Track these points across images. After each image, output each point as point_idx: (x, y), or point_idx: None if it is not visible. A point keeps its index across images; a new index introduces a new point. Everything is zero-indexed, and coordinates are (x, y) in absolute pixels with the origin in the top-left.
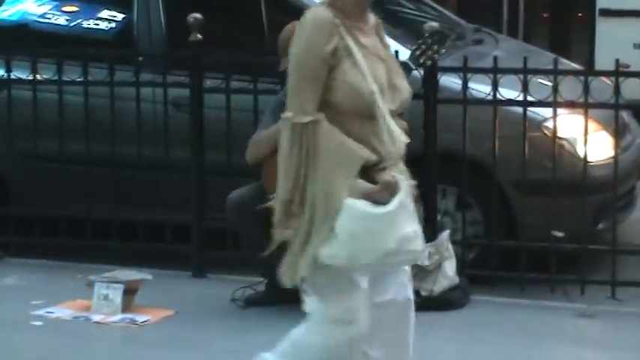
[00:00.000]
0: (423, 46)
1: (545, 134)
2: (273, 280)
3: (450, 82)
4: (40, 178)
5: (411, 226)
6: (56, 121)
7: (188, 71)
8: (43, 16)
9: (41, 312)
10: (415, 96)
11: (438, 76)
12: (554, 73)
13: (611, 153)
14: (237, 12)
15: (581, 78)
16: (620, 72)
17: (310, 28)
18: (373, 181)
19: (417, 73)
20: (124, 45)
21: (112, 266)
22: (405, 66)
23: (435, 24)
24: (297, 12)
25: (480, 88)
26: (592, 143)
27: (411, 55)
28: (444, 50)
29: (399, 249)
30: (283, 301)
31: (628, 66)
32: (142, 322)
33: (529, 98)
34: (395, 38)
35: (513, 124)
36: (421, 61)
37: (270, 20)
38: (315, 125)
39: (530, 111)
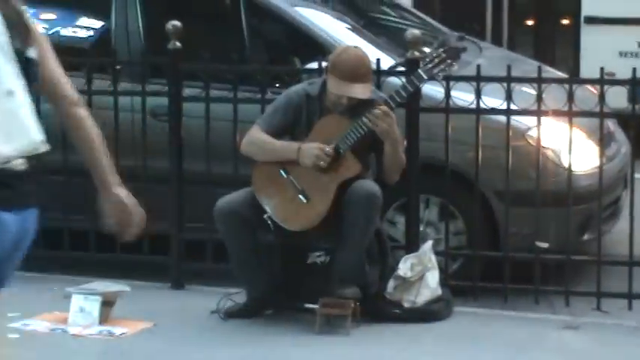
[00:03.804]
0: (437, 59)
1: (529, 143)
2: (258, 292)
3: (433, 90)
4: None
5: None
6: None
7: (167, 80)
8: None
9: (17, 324)
10: (398, 104)
11: (421, 85)
12: (539, 81)
13: (596, 162)
14: (216, 19)
15: (566, 86)
16: (605, 80)
17: None
18: None
19: (397, 80)
20: (102, 53)
21: (89, 278)
22: (417, 76)
23: (416, 31)
24: (277, 19)
25: (463, 96)
26: (577, 152)
27: (424, 65)
28: (456, 66)
29: None
30: (264, 312)
31: (613, 74)
32: (120, 334)
33: (513, 107)
34: (377, 46)
35: (497, 133)
36: (434, 72)
37: (250, 27)
38: None
39: (514, 120)
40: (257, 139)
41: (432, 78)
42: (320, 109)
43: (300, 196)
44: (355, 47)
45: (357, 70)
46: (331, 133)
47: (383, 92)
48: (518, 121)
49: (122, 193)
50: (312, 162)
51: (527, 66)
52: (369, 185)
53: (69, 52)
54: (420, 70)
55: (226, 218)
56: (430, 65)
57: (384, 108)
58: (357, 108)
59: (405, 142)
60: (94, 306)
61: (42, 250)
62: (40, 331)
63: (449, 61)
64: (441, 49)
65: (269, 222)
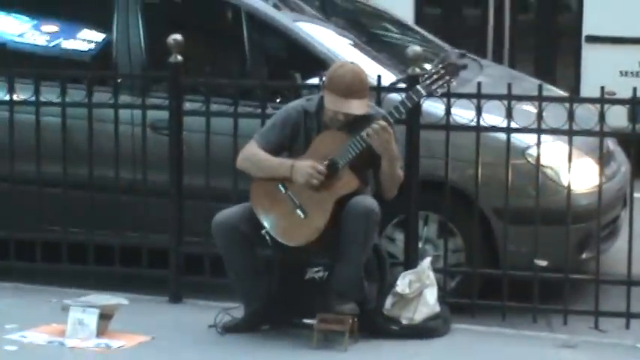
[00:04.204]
0: (435, 76)
1: (528, 161)
2: (255, 307)
3: (434, 107)
4: (16, 200)
5: None
6: (32, 143)
7: (167, 93)
8: (21, 35)
9: (15, 336)
10: (398, 121)
11: (421, 102)
12: (539, 99)
13: (595, 181)
14: (218, 34)
15: (566, 105)
16: (605, 99)
17: None
18: None
19: (398, 96)
20: (103, 66)
21: (87, 290)
22: (415, 92)
23: (417, 47)
24: (278, 34)
25: (464, 113)
26: (576, 171)
27: (423, 81)
28: (454, 83)
29: None
30: (261, 328)
31: (614, 93)
32: (117, 347)
33: (513, 125)
34: (379, 62)
35: (496, 151)
36: (433, 88)
37: (251, 42)
38: None
39: (514, 138)
40: (252, 155)
41: (430, 94)
42: (318, 125)
43: (298, 211)
44: (352, 63)
45: (353, 86)
46: (329, 148)
47: (383, 108)
48: (517, 139)
49: None
50: (304, 180)
51: (527, 84)
52: (368, 201)
53: (70, 64)
54: (418, 87)
55: (224, 233)
56: (429, 82)
57: (383, 123)
58: (356, 123)
59: (402, 160)
60: (91, 319)
61: (41, 262)
62: (38, 343)
63: (447, 77)
64: (440, 66)
65: (267, 237)
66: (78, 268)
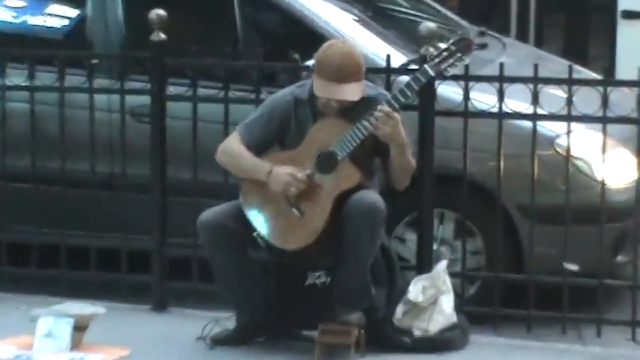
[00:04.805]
0: (445, 53)
1: (557, 153)
2: (249, 316)
3: (450, 91)
4: None
5: None
6: None
7: (149, 76)
8: None
9: None
10: (409, 107)
11: (436, 85)
12: (569, 82)
13: (632, 175)
14: (206, 9)
15: (600, 89)
16: None
17: None
18: None
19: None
20: (77, 45)
21: (60, 298)
22: (422, 72)
23: (431, 24)
24: (274, 9)
25: (484, 98)
26: (611, 164)
27: (431, 60)
28: (467, 60)
29: None
30: (255, 340)
31: None
32: None
33: (539, 111)
34: (387, 40)
35: (521, 141)
36: (442, 67)
37: (243, 18)
38: None
39: (541, 126)
40: (232, 149)
41: (440, 74)
42: (313, 114)
43: (294, 210)
44: (343, 42)
45: (344, 68)
46: (328, 138)
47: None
48: (545, 127)
49: None
50: (281, 189)
51: (556, 65)
52: (371, 196)
53: (39, 43)
54: (426, 66)
55: (211, 232)
56: (437, 60)
57: (387, 109)
58: (357, 109)
59: (413, 145)
60: (64, 330)
61: (8, 267)
62: (4, 357)
63: (459, 54)
64: (451, 42)
65: (259, 240)
66: (49, 273)
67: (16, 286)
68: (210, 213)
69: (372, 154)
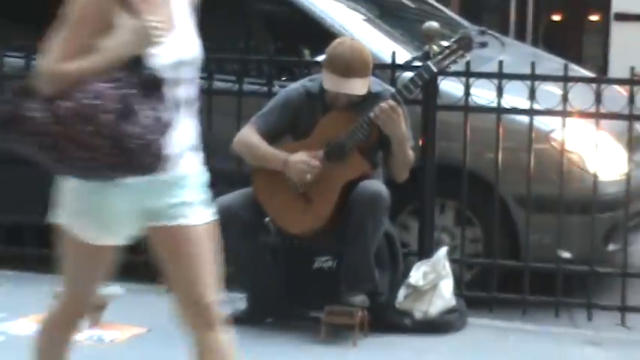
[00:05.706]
0: (447, 51)
1: (552, 146)
2: (258, 298)
3: (451, 87)
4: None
5: None
6: None
7: None
8: None
9: (4, 326)
10: (413, 101)
11: (438, 81)
12: (564, 80)
13: (624, 168)
14: (217, 4)
15: (593, 86)
16: (635, 80)
17: None
18: None
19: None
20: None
21: None
22: (425, 68)
23: (434, 24)
24: (285, 5)
25: (484, 94)
26: (603, 157)
27: (434, 57)
28: (468, 57)
29: None
30: (265, 320)
31: None
32: (110, 340)
33: (536, 107)
34: (393, 38)
35: (518, 135)
36: (444, 64)
37: (255, 15)
38: None
39: (537, 120)
40: (248, 139)
41: (442, 71)
42: (323, 107)
43: (303, 198)
44: (352, 39)
45: (353, 64)
46: (336, 130)
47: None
48: (541, 122)
49: None
50: (298, 177)
51: (552, 64)
52: (375, 185)
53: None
54: (429, 62)
55: (225, 221)
56: (440, 57)
57: (391, 103)
58: (364, 103)
59: (420, 142)
60: None
61: (33, 248)
62: (27, 334)
63: (460, 52)
64: (452, 40)
65: (270, 225)
66: None
67: (39, 266)
68: (225, 201)
69: (376, 146)
